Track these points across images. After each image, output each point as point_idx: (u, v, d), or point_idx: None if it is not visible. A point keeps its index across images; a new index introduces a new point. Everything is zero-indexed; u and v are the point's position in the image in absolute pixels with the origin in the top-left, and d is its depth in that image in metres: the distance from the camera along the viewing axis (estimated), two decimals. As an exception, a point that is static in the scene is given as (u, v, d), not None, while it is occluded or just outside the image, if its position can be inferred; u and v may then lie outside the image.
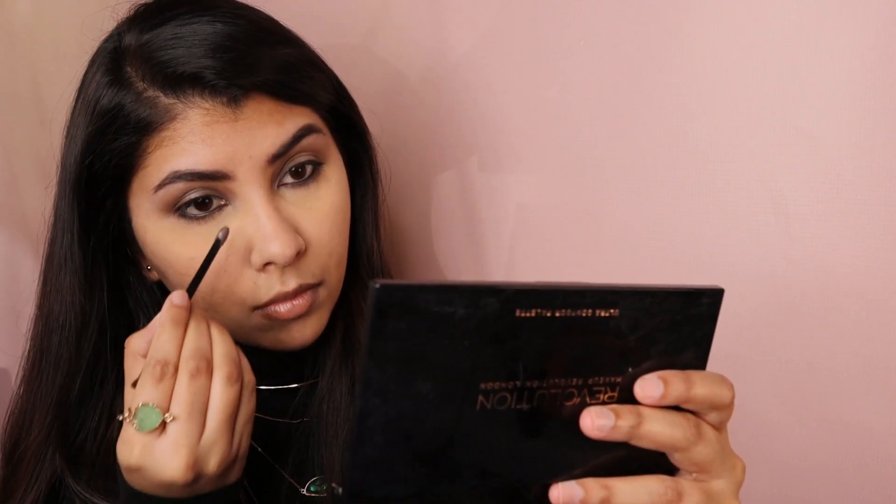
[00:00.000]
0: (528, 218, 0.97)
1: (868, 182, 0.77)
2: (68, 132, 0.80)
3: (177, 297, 0.71)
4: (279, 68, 0.75)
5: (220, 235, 0.73)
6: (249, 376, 0.72)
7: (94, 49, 0.80)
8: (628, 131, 0.89)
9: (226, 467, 0.69)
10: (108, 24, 0.81)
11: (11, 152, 1.18)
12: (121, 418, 0.69)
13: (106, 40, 0.80)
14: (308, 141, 0.77)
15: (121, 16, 0.80)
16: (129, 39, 0.77)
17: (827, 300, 0.80)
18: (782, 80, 0.80)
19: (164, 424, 0.67)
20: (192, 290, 0.73)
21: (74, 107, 0.80)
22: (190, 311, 0.71)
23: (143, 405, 0.67)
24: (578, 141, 0.93)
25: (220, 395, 0.68)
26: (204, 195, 0.75)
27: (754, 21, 0.81)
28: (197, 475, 0.67)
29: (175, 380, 0.68)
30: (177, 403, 0.67)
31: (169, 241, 0.76)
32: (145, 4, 0.80)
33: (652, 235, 0.89)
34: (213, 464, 0.68)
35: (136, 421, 0.67)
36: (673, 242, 0.88)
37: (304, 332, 0.80)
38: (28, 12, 1.17)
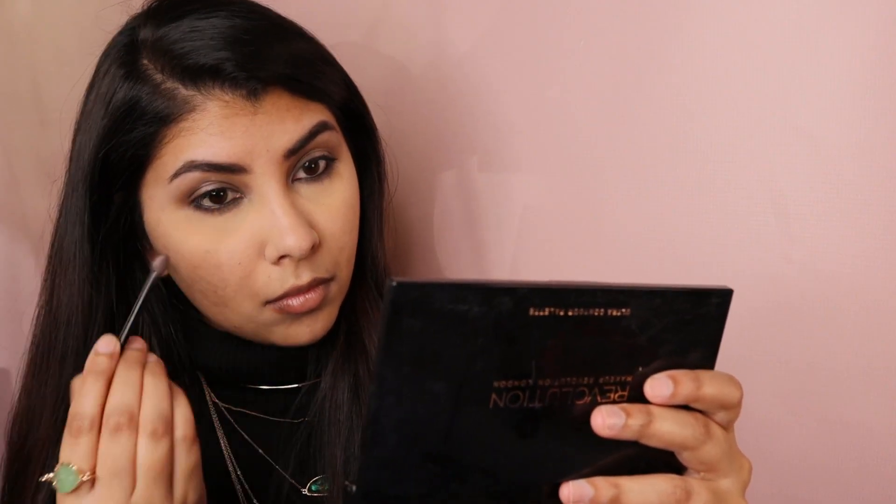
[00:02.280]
0: (529, 217, 0.97)
1: (868, 182, 0.78)
2: (80, 126, 0.79)
3: (102, 344, 0.68)
4: (297, 63, 0.76)
5: (156, 265, 0.71)
6: (184, 430, 0.68)
7: (103, 45, 0.79)
8: (628, 131, 0.89)
9: None
10: (121, 19, 0.80)
11: (11, 152, 1.17)
12: (43, 479, 0.66)
13: (119, 34, 0.79)
14: (323, 137, 0.77)
15: (134, 10, 0.80)
16: (146, 33, 0.76)
17: (827, 300, 0.81)
18: (782, 80, 0.80)
19: (90, 482, 0.64)
20: (123, 334, 0.69)
21: (86, 101, 0.79)
22: (118, 358, 0.68)
23: (61, 465, 0.64)
24: (578, 141, 0.93)
25: (145, 453, 0.65)
26: (219, 187, 0.74)
27: (754, 21, 0.81)
28: None
29: (94, 435, 0.65)
30: (100, 462, 0.64)
31: (184, 233, 0.76)
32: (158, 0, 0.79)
33: (652, 235, 0.89)
34: None
35: (56, 481, 0.64)
36: (673, 242, 0.88)
37: (315, 327, 0.80)
38: (28, 12, 1.16)
